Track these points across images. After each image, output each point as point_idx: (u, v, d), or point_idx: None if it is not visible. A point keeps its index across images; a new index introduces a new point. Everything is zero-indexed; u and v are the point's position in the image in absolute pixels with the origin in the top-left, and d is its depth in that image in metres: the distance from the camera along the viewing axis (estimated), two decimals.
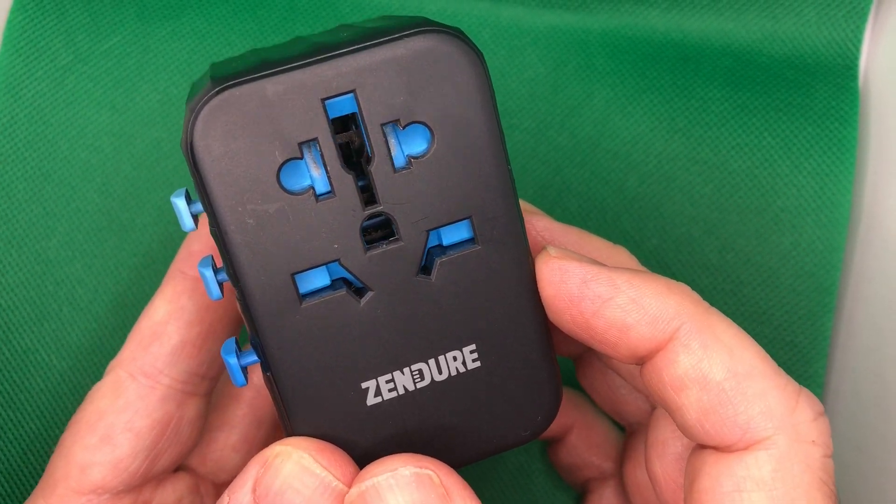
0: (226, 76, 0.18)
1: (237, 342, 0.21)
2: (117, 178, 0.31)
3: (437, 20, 0.20)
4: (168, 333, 0.24)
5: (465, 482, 0.20)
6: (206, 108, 0.18)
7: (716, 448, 0.20)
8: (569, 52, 0.32)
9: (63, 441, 0.24)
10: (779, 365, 0.29)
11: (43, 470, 0.29)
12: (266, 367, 0.20)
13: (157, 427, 0.24)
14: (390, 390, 0.21)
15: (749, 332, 0.31)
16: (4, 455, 0.29)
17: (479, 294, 0.20)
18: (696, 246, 0.31)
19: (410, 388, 0.21)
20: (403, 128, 0.19)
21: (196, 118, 0.18)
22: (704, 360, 0.20)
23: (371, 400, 0.21)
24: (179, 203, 0.20)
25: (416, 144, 0.19)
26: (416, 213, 0.19)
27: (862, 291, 0.31)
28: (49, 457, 0.29)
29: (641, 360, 0.21)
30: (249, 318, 0.20)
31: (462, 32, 0.19)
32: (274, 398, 0.21)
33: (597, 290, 0.20)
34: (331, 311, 0.20)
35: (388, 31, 0.19)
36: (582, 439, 0.28)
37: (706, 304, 0.20)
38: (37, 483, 0.29)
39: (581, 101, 0.32)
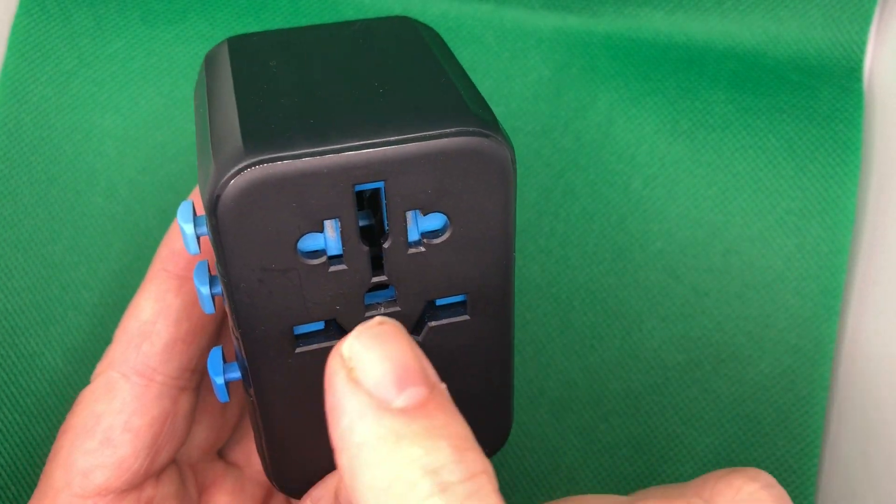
0: (258, 136, 0.18)
1: (223, 354, 0.22)
2: (122, 182, 0.31)
3: (435, 24, 0.19)
4: (157, 332, 0.24)
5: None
6: (238, 180, 0.17)
7: None
8: (572, 54, 0.32)
9: (59, 448, 0.24)
10: (783, 369, 0.28)
11: None
12: (248, 385, 0.21)
13: (156, 424, 0.24)
14: None
15: (753, 336, 0.31)
16: (11, 458, 0.29)
17: (459, 354, 0.21)
18: (701, 248, 0.31)
19: None
20: (424, 215, 0.19)
21: (225, 187, 0.18)
22: None
23: None
24: (187, 228, 0.20)
25: (431, 225, 0.20)
26: (417, 286, 0.20)
27: (867, 294, 0.31)
28: None
29: None
30: (242, 355, 0.20)
31: (498, 129, 0.19)
32: (252, 416, 0.21)
33: None
34: (322, 356, 0.20)
35: (427, 118, 0.18)
36: None
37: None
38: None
39: (585, 104, 0.32)
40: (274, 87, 0.20)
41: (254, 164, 0.17)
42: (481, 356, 0.22)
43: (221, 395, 0.22)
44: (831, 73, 0.32)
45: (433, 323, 0.21)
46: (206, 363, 0.25)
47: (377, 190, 0.19)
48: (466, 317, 0.21)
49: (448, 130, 0.18)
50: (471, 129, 0.18)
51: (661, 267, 0.31)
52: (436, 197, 0.19)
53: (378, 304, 0.20)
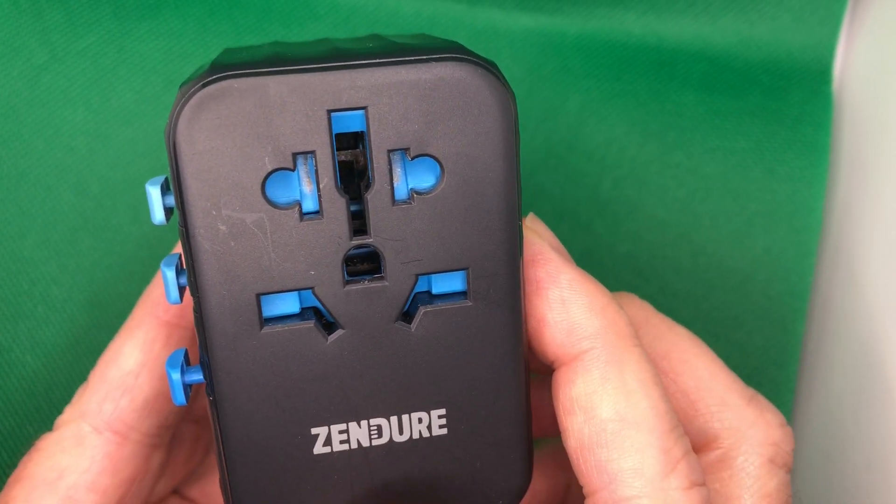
0: (228, 64, 0.16)
1: (187, 355, 0.20)
2: (92, 178, 0.31)
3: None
4: (139, 385, 0.22)
5: None
6: (198, 95, 0.16)
7: (586, 494, 0.19)
8: (544, 55, 0.32)
9: (11, 499, 0.21)
10: (750, 371, 0.29)
11: (14, 466, 0.29)
12: (210, 390, 0.18)
13: (124, 485, 0.22)
14: (342, 442, 0.19)
15: (721, 337, 0.31)
16: None
17: (459, 354, 0.19)
18: (669, 250, 0.31)
19: (365, 443, 0.19)
20: (412, 158, 0.17)
21: (185, 105, 0.16)
22: (598, 392, 0.18)
23: (318, 449, 0.19)
24: (153, 192, 0.18)
25: (422, 178, 0.18)
26: (408, 253, 0.18)
27: (834, 296, 0.31)
28: (22, 454, 0.30)
29: (551, 365, 0.20)
30: (202, 334, 0.18)
31: (496, 67, 0.17)
32: (213, 426, 0.19)
33: (538, 274, 0.19)
34: (292, 343, 0.18)
35: (416, 49, 0.17)
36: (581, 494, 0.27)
37: (636, 340, 0.19)
38: (8, 477, 0.30)
39: (556, 105, 0.32)
40: (254, 53, 0.18)
41: (215, 81, 0.16)
42: (487, 361, 0.19)
43: (178, 397, 0.19)
44: (801, 75, 0.32)
45: (428, 308, 0.18)
46: (181, 415, 0.23)
47: (362, 136, 0.17)
48: (468, 303, 0.18)
49: (439, 56, 0.17)
50: (465, 56, 0.17)
51: (629, 268, 0.31)
52: (425, 134, 0.17)
53: (361, 277, 0.18)
